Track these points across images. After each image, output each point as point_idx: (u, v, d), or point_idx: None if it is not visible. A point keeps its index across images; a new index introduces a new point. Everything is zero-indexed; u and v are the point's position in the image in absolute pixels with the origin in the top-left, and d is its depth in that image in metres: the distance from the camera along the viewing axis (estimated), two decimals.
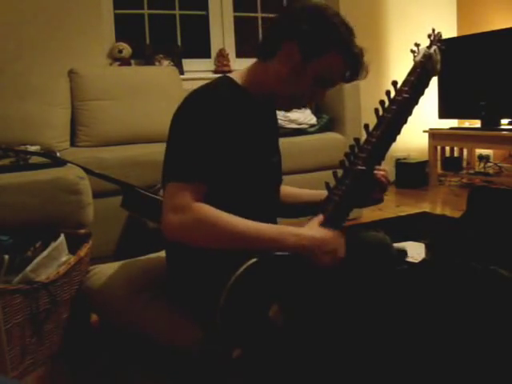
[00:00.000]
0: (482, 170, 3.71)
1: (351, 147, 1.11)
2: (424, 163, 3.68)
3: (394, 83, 1.13)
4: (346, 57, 1.10)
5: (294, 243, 1.02)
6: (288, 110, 1.24)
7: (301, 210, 1.34)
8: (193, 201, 1.01)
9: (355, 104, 2.80)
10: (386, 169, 1.22)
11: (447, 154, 3.76)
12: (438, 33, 1.20)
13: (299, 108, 1.18)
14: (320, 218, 1.07)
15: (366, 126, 1.12)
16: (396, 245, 1.31)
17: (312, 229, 1.05)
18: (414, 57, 1.15)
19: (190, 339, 1.10)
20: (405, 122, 1.14)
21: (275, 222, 1.26)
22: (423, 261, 1.86)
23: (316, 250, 1.02)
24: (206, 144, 1.05)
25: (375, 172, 1.17)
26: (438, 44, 1.18)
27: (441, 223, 2.68)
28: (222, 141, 1.06)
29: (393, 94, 1.13)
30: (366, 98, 2.85)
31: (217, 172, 1.05)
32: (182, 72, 3.09)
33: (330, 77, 1.13)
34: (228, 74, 1.19)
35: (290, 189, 1.39)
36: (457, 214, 2.61)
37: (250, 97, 1.15)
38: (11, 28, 2.67)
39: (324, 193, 1.13)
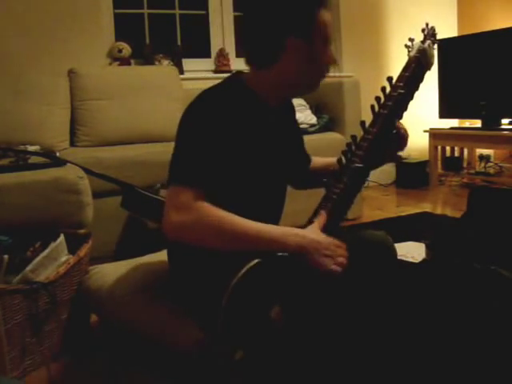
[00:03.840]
0: (483, 170, 3.70)
1: (348, 145, 1.10)
2: (424, 163, 3.67)
3: (390, 79, 1.13)
4: (326, 3, 1.11)
5: (296, 243, 1.01)
6: (319, 86, 1.19)
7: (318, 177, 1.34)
8: (195, 200, 1.00)
9: (355, 104, 2.79)
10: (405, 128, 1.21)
11: (448, 153, 3.75)
12: (432, 27, 1.20)
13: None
14: (321, 220, 1.06)
15: (362, 123, 1.11)
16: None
17: (314, 232, 1.05)
18: (409, 52, 1.14)
19: (190, 340, 1.10)
20: (400, 117, 1.14)
21: (277, 223, 1.25)
22: (423, 261, 1.86)
23: (316, 251, 1.02)
24: (209, 148, 1.04)
25: (398, 128, 1.17)
26: (432, 38, 1.18)
27: (441, 223, 2.68)
28: (226, 145, 1.06)
29: (388, 89, 1.12)
30: (366, 98, 2.84)
31: (218, 176, 1.05)
32: (181, 72, 3.08)
33: (331, 31, 1.12)
34: (241, 75, 1.17)
35: (319, 160, 1.43)
36: (457, 214, 2.61)
37: (259, 99, 1.14)
38: (11, 28, 2.67)
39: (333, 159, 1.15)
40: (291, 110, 1.33)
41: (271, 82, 1.13)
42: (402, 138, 1.20)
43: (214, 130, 1.05)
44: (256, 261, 0.99)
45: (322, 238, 1.04)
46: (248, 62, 1.15)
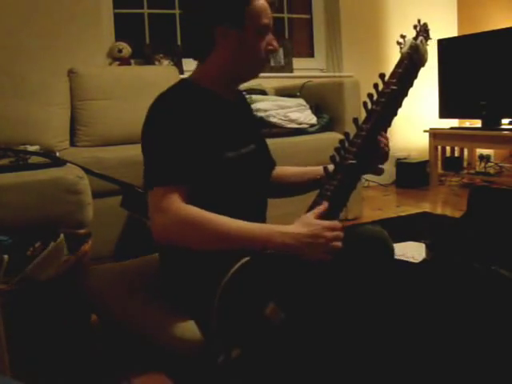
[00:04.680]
0: (483, 170, 3.70)
1: (341, 142, 1.09)
2: (425, 163, 3.67)
3: (382, 76, 1.13)
4: None
5: (281, 243, 1.00)
6: (261, 72, 1.21)
7: (305, 186, 1.35)
8: (176, 202, 1.01)
9: (355, 104, 2.79)
10: (388, 137, 1.16)
11: (448, 153, 3.75)
12: (424, 23, 1.20)
13: (267, 64, 1.21)
14: (312, 214, 1.05)
15: (355, 120, 1.10)
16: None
17: (299, 226, 1.02)
18: (401, 48, 1.14)
19: (188, 340, 1.10)
20: (395, 114, 1.13)
21: (264, 214, 1.27)
22: (423, 261, 1.86)
23: (303, 246, 1.00)
24: (176, 146, 1.06)
25: (379, 139, 1.12)
26: (425, 34, 1.18)
27: (441, 223, 2.68)
28: (189, 140, 1.07)
29: (381, 86, 1.12)
30: (366, 98, 2.84)
31: (192, 171, 1.06)
32: (181, 72, 3.08)
33: (265, 20, 1.13)
34: (189, 78, 1.20)
35: (291, 168, 1.41)
36: (457, 214, 2.61)
37: (210, 94, 1.16)
38: (11, 28, 2.67)
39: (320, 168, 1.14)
40: (248, 106, 1.36)
41: (214, 74, 1.16)
42: (383, 151, 1.16)
43: (174, 128, 1.07)
44: (247, 258, 0.98)
45: (307, 228, 1.01)
46: (194, 58, 1.19)
